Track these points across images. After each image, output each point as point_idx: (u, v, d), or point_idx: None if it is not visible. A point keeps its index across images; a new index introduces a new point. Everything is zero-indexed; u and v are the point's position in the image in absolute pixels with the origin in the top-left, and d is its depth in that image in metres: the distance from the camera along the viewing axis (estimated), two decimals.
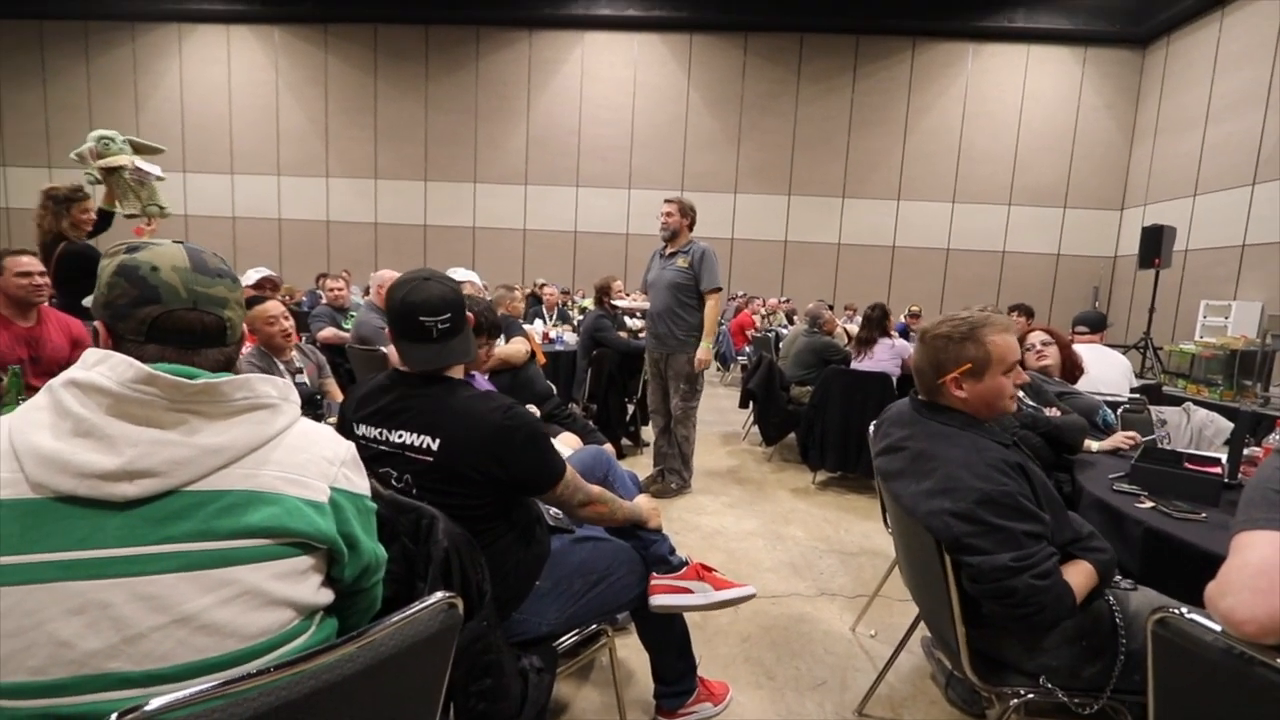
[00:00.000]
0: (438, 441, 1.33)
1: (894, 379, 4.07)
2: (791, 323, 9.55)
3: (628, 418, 4.71)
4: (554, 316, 6.59)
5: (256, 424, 0.85)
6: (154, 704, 0.63)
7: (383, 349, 3.72)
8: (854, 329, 5.47)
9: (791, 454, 4.68)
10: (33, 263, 2.59)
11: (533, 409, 2.37)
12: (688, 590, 1.72)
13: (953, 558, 1.31)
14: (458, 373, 1.49)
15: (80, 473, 0.74)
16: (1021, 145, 12.21)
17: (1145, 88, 11.67)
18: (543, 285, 7.53)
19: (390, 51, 12.72)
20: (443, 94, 12.78)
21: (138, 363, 0.79)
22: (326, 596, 0.92)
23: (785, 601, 2.57)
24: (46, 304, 2.70)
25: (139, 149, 3.14)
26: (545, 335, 5.34)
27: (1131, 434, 2.18)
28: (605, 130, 12.63)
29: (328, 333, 4.70)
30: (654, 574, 1.69)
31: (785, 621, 2.41)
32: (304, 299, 7.92)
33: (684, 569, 1.74)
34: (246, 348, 2.62)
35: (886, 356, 4.21)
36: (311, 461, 0.89)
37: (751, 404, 4.89)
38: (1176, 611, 0.93)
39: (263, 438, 0.85)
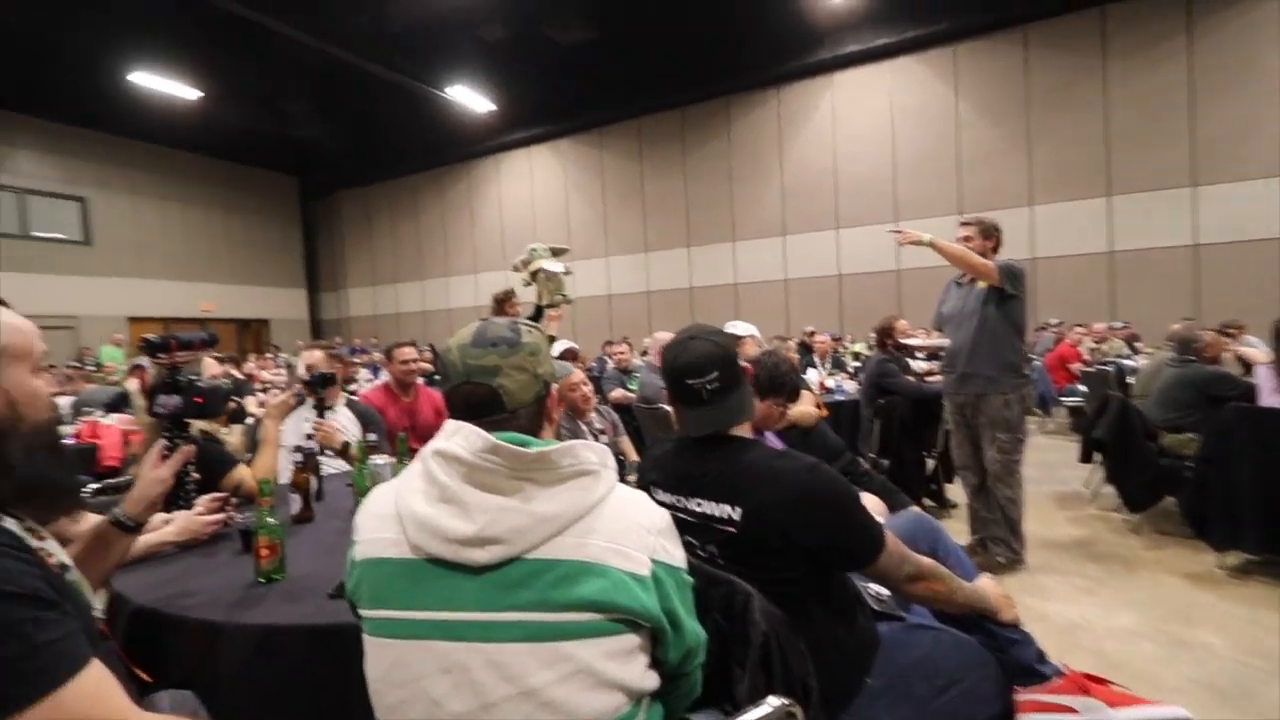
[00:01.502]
0: (739, 510, 1.22)
1: None
2: (1134, 351, 7.59)
3: (928, 474, 4.11)
4: (828, 364, 6.25)
5: (581, 490, 0.84)
6: None
7: (664, 406, 3.88)
8: (1255, 352, 4.05)
9: (1171, 523, 3.53)
10: (410, 352, 3.37)
11: None
12: (1070, 709, 1.30)
13: None
14: (745, 430, 1.38)
15: (447, 537, 0.80)
16: None
17: None
18: (812, 333, 7.28)
19: (652, 138, 14.15)
20: (698, 165, 13.67)
21: (484, 433, 0.84)
22: (653, 680, 0.86)
23: None
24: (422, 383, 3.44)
25: (556, 252, 3.85)
26: (822, 385, 5.06)
27: None
28: (861, 167, 12.03)
29: (617, 394, 5.13)
30: (1017, 686, 1.31)
31: None
32: (594, 365, 8.90)
33: (1059, 680, 1.32)
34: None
35: None
36: (630, 530, 0.84)
37: (1101, 457, 3.86)
38: None
39: (587, 505, 0.83)
